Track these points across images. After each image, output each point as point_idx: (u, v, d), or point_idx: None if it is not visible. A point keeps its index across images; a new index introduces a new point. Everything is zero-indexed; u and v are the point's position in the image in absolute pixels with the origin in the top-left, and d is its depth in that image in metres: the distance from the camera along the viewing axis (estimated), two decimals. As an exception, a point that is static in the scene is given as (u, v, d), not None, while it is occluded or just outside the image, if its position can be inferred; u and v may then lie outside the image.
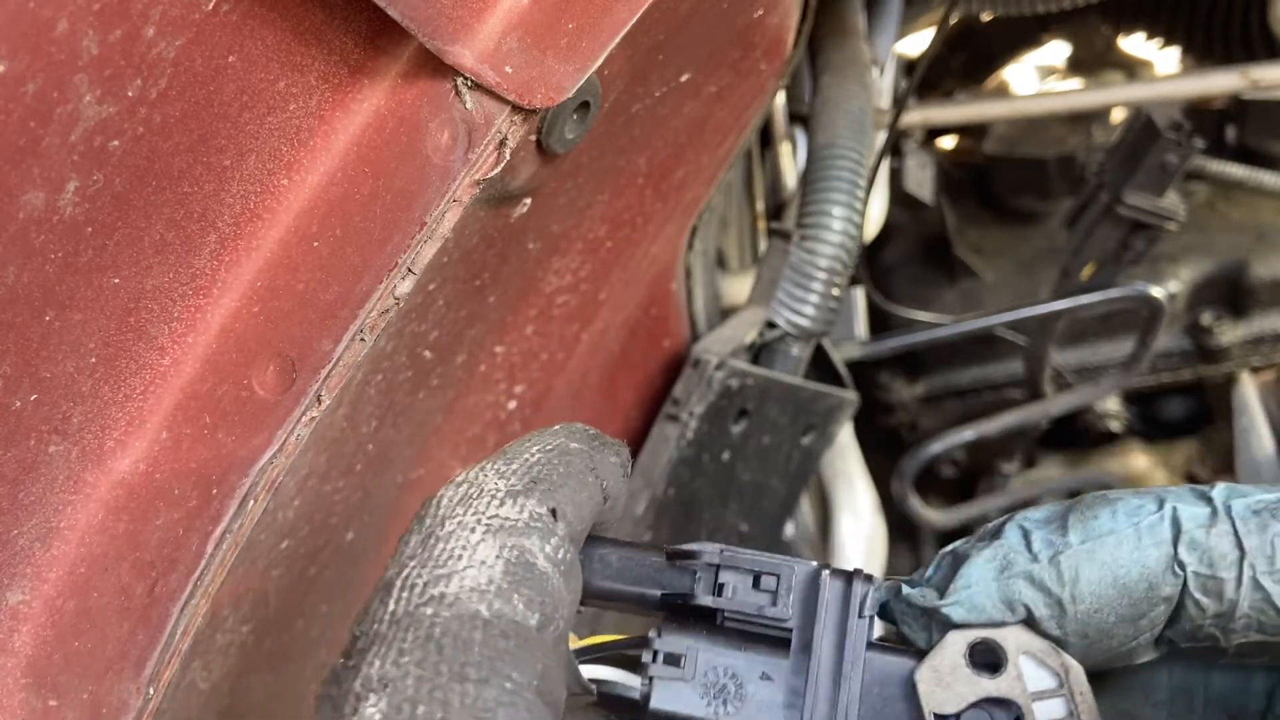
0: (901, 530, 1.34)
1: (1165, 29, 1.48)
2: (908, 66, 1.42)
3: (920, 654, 0.34)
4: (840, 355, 1.02)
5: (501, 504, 0.33)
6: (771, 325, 0.91)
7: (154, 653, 0.46)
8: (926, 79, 1.60)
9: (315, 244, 0.47)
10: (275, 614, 0.60)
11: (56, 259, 0.38)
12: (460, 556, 0.31)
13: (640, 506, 0.85)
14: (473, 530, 0.32)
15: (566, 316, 0.76)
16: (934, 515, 1.29)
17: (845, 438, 1.18)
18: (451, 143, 0.47)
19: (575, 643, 0.38)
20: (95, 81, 0.35)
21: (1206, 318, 1.36)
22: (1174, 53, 1.55)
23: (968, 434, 1.26)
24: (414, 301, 0.56)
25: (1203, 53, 1.45)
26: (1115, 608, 0.32)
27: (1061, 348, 1.35)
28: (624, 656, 0.37)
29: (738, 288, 1.05)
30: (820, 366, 1.00)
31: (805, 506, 1.12)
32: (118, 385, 0.44)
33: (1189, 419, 1.47)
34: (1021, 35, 1.67)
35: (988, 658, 0.33)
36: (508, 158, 0.48)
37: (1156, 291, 1.13)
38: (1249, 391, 1.38)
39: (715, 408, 0.85)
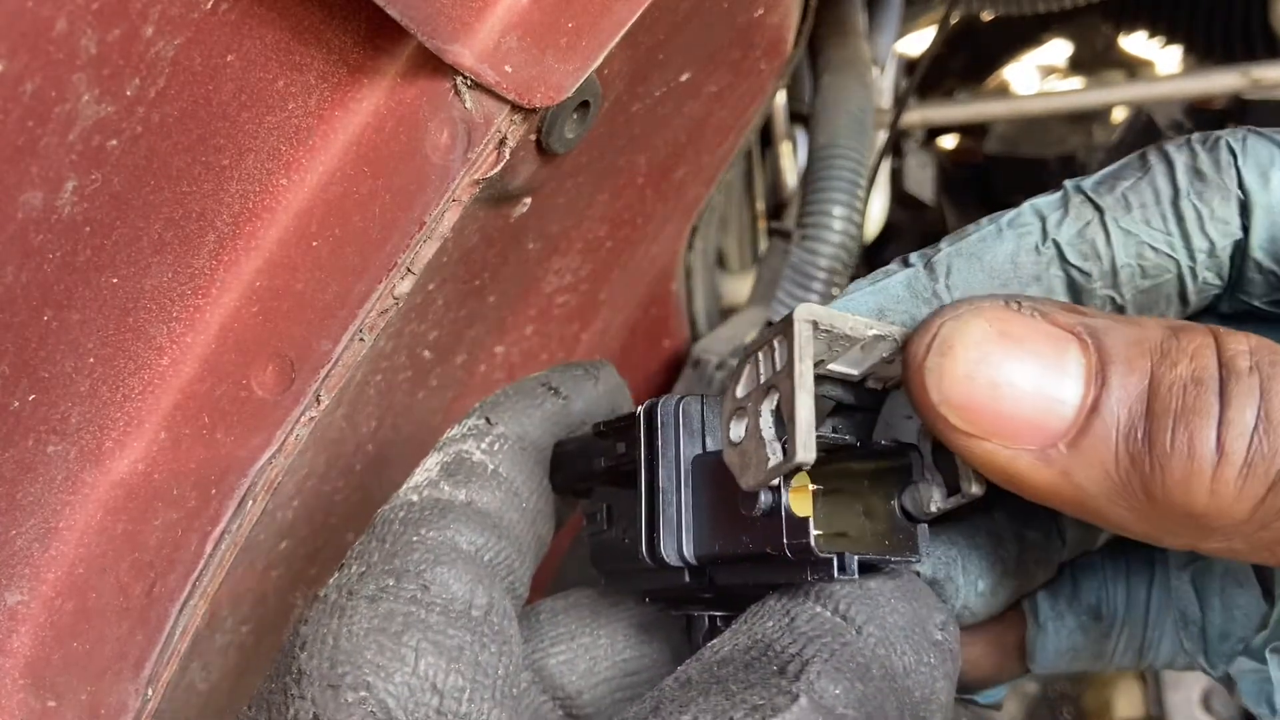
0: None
1: (1166, 28, 1.48)
2: (908, 66, 1.42)
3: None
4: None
5: (453, 430, 0.42)
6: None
7: (153, 653, 0.46)
8: (927, 78, 1.59)
9: (314, 244, 0.47)
10: (274, 614, 0.60)
11: (55, 258, 0.38)
12: (415, 473, 0.40)
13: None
14: (431, 454, 0.41)
15: (566, 316, 0.76)
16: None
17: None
18: (451, 142, 0.47)
19: None
20: (94, 81, 0.35)
21: (1206, 317, 1.36)
22: (1175, 52, 1.54)
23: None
24: (413, 301, 0.55)
25: (1204, 52, 1.45)
26: (988, 290, 0.35)
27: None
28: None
29: (738, 288, 1.05)
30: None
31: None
32: (116, 385, 0.44)
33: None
34: (1022, 35, 1.67)
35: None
36: (507, 157, 0.48)
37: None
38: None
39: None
